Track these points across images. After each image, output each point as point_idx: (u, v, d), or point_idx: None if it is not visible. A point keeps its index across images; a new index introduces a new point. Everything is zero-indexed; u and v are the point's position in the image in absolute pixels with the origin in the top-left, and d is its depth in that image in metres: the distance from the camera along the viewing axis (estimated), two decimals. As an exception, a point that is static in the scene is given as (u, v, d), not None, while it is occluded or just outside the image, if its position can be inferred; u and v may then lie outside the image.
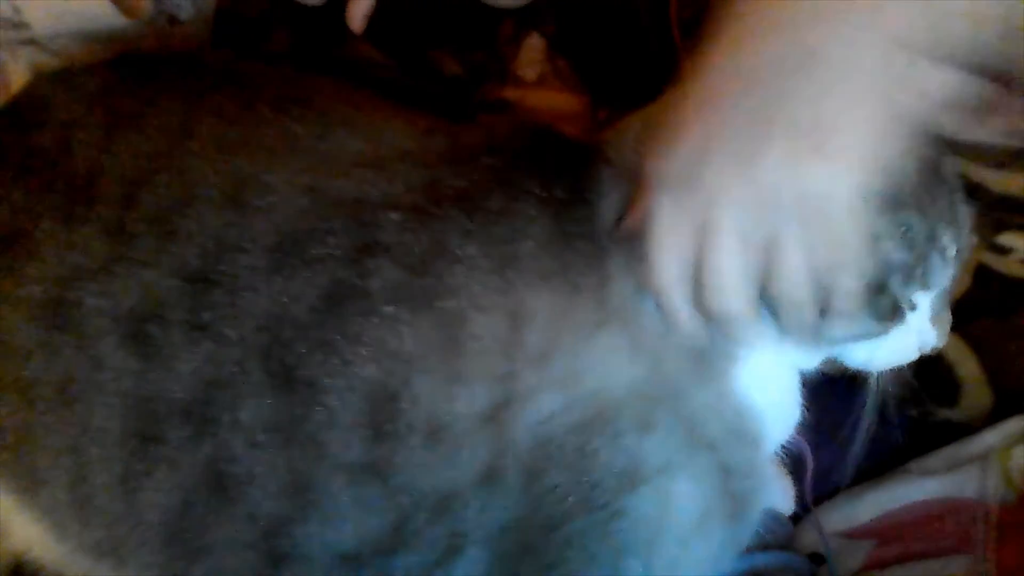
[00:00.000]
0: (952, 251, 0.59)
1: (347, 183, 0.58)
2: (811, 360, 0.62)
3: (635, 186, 0.55)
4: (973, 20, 0.53)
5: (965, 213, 0.60)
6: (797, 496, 0.77)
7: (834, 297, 0.53)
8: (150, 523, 0.54)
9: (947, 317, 0.62)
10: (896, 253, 0.56)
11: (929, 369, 0.66)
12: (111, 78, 0.66)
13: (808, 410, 0.63)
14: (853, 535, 0.75)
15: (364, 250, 0.54)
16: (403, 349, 0.52)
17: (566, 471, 0.53)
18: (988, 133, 0.62)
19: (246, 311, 0.53)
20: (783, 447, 0.65)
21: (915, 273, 0.57)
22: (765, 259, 0.51)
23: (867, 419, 0.63)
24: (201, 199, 0.57)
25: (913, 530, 0.73)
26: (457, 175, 0.58)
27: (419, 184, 0.58)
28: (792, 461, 0.75)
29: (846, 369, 0.64)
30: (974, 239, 0.66)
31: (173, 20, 0.78)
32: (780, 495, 0.76)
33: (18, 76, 0.76)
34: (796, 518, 0.78)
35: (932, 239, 0.57)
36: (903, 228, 0.56)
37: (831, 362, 0.63)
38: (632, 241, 0.54)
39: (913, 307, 0.59)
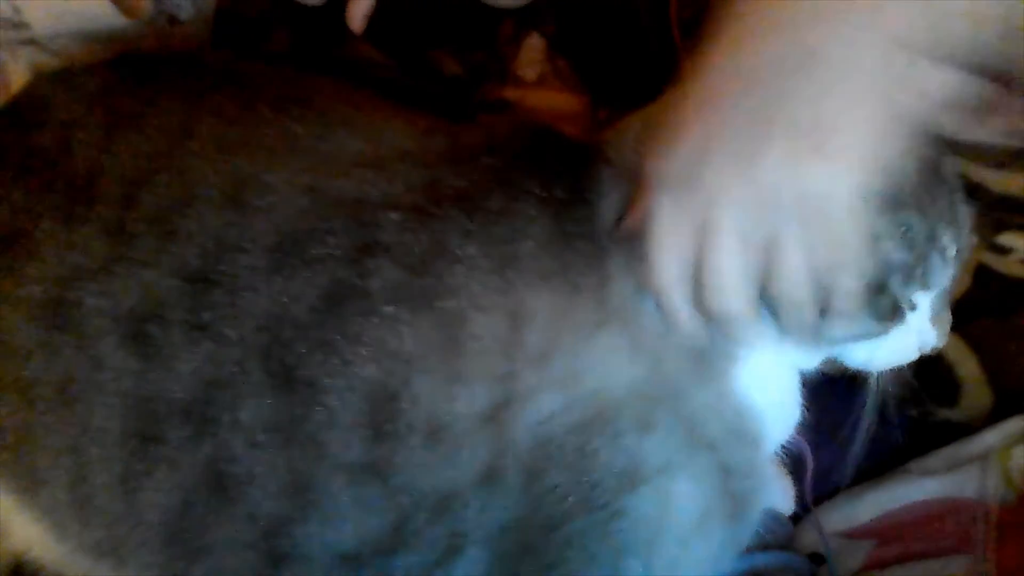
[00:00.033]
0: (952, 251, 0.59)
1: (347, 183, 0.58)
2: (811, 360, 0.62)
3: (635, 186, 0.55)
4: (973, 20, 0.53)
5: (965, 213, 0.60)
6: (797, 496, 0.77)
7: (834, 297, 0.53)
8: (150, 523, 0.54)
9: (947, 317, 0.62)
10: (896, 253, 0.56)
11: (929, 369, 0.66)
12: (111, 78, 0.66)
13: (808, 410, 0.63)
14: (853, 535, 0.75)
15: (364, 250, 0.54)
16: (403, 349, 0.52)
17: (566, 471, 0.53)
18: (988, 133, 0.62)
19: (246, 311, 0.53)
20: (783, 447, 0.65)
21: (915, 273, 0.57)
22: (765, 259, 0.51)
23: (867, 419, 0.63)
24: (201, 199, 0.57)
25: (913, 530, 0.73)
26: (457, 175, 0.58)
27: (419, 184, 0.58)
28: (792, 461, 0.75)
29: (846, 369, 0.64)
30: (974, 239, 0.66)
31: (173, 20, 0.78)
32: (780, 495, 0.76)
33: (18, 76, 0.76)
34: (796, 518, 0.78)
35: (932, 239, 0.57)
36: (903, 228, 0.56)
37: (831, 362, 0.63)
38: (632, 241, 0.54)
39: (913, 307, 0.59)
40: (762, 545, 0.67)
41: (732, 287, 0.51)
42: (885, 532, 0.74)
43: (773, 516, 0.72)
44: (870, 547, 0.74)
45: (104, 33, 0.75)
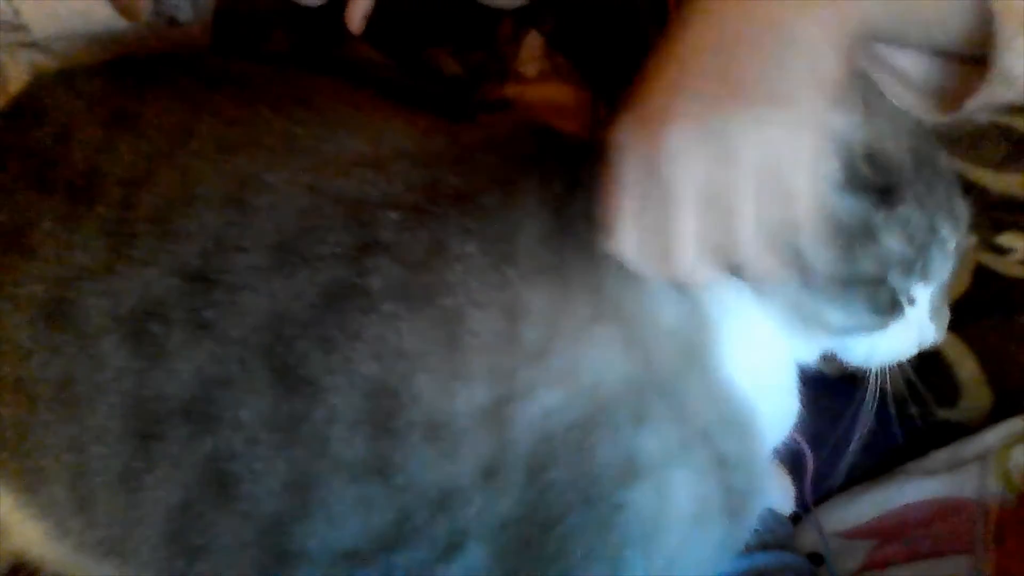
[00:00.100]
0: (952, 244, 0.59)
1: (347, 183, 0.58)
2: (808, 351, 0.62)
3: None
4: (940, 3, 0.54)
5: (963, 205, 0.61)
6: (797, 496, 0.77)
7: (803, 258, 0.54)
8: (151, 521, 0.54)
9: (946, 312, 0.62)
10: (895, 246, 0.56)
11: (929, 369, 0.66)
12: (111, 79, 0.66)
13: (808, 410, 0.63)
14: (853, 535, 0.75)
15: (364, 249, 0.54)
16: (403, 347, 0.53)
17: (566, 466, 0.53)
18: (962, 114, 0.63)
19: (247, 310, 0.53)
20: (783, 447, 0.65)
21: (915, 266, 0.57)
22: (724, 221, 0.51)
23: (865, 419, 0.63)
24: (201, 199, 0.57)
25: (913, 530, 0.73)
26: (456, 174, 0.58)
27: (419, 183, 0.58)
28: (792, 461, 0.75)
29: (846, 368, 0.64)
30: (973, 239, 0.67)
31: (172, 21, 0.78)
32: (780, 495, 0.76)
33: (17, 78, 0.76)
34: (796, 518, 0.78)
35: (932, 230, 0.58)
36: (902, 221, 0.56)
37: (831, 361, 0.64)
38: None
39: (912, 301, 0.59)
40: (762, 545, 0.67)
41: (692, 248, 0.51)
42: (885, 532, 0.74)
43: (773, 516, 0.72)
44: (869, 547, 0.74)
45: (103, 35, 0.75)
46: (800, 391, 0.63)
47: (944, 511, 0.72)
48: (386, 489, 0.52)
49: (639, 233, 0.52)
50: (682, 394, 0.56)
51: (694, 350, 0.57)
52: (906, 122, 0.61)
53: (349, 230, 0.55)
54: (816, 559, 0.75)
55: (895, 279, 0.57)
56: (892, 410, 0.67)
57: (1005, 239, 0.76)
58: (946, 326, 0.62)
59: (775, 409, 0.61)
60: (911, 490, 0.74)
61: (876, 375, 0.62)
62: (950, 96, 0.63)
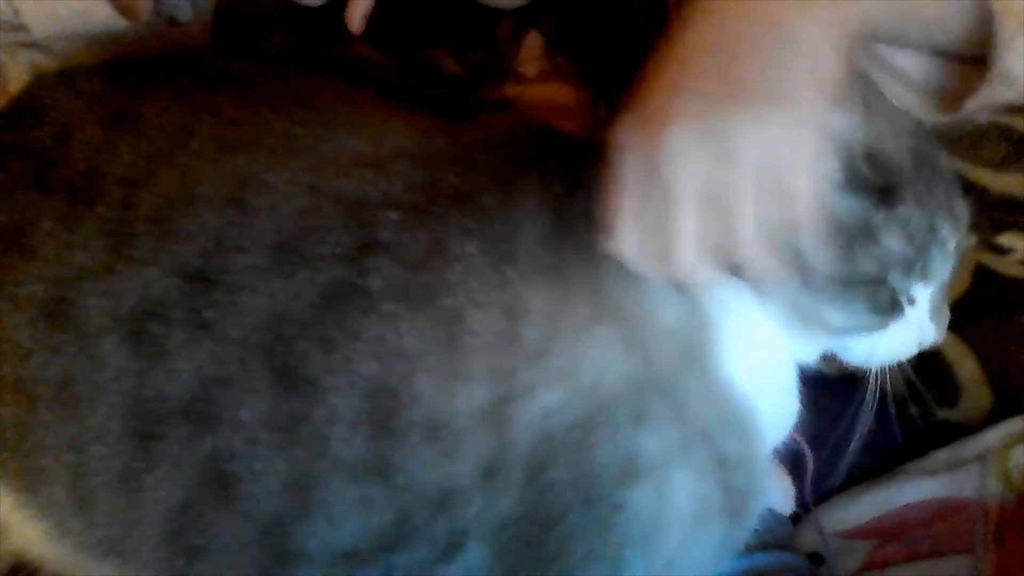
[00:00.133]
0: (952, 243, 0.59)
1: (347, 183, 0.58)
2: (808, 351, 0.62)
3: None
4: (940, 4, 0.54)
5: (963, 205, 0.61)
6: (797, 496, 0.77)
7: (803, 258, 0.54)
8: (151, 521, 0.54)
9: (946, 312, 0.62)
10: (896, 246, 0.56)
11: (929, 369, 0.66)
12: (111, 78, 0.66)
13: (808, 410, 0.63)
14: (853, 535, 0.75)
15: (364, 249, 0.54)
16: (403, 347, 0.53)
17: (566, 466, 0.53)
18: (962, 114, 0.63)
19: (247, 310, 0.53)
20: (783, 447, 0.65)
21: (915, 266, 0.57)
22: (724, 221, 0.51)
23: (865, 419, 0.63)
24: (201, 199, 0.57)
25: (913, 530, 0.73)
26: (456, 174, 0.58)
27: (418, 183, 0.58)
28: (792, 461, 0.75)
29: (846, 368, 0.64)
30: (973, 239, 0.67)
31: (172, 21, 0.78)
32: (780, 495, 0.76)
33: (17, 78, 0.76)
34: (796, 518, 0.78)
35: (932, 230, 0.58)
36: (902, 221, 0.56)
37: (831, 361, 0.63)
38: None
39: (912, 301, 0.59)
40: (762, 545, 0.67)
41: (692, 248, 0.51)
42: (885, 532, 0.74)
43: (773, 516, 0.72)
44: (869, 547, 0.74)
45: (103, 35, 0.75)
46: (800, 391, 0.63)
47: (944, 511, 0.72)
48: (386, 489, 0.52)
49: (639, 233, 0.52)
50: (682, 394, 0.56)
51: (694, 350, 0.57)
52: (906, 122, 0.61)
53: (349, 230, 0.55)
54: (816, 559, 0.75)
55: (895, 279, 0.57)
56: (892, 410, 0.67)
57: (1005, 239, 0.76)
58: (946, 326, 0.62)
59: (775, 409, 0.61)
60: (911, 490, 0.74)
61: (876, 375, 0.62)
62: (950, 96, 0.63)
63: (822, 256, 0.56)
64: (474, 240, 0.55)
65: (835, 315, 0.58)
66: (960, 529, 0.70)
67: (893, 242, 0.56)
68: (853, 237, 0.56)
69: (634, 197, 0.52)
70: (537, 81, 0.83)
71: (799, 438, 0.71)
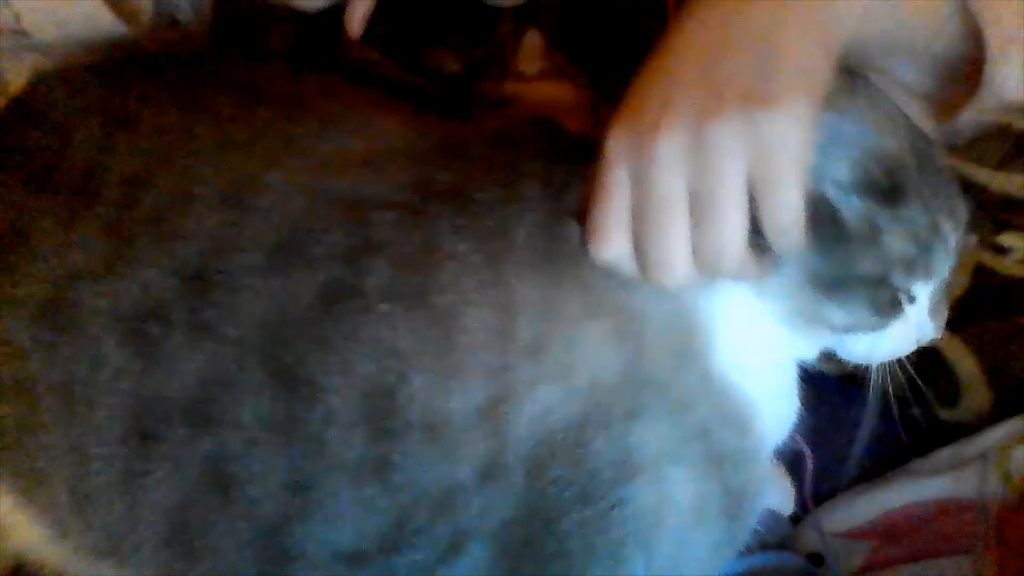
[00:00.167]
0: (953, 241, 0.59)
1: (344, 182, 0.58)
2: (808, 348, 0.62)
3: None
4: (928, 17, 0.54)
5: (962, 203, 0.61)
6: (797, 496, 0.77)
7: (803, 259, 0.54)
8: (150, 523, 0.54)
9: (945, 308, 0.62)
10: (899, 245, 0.56)
11: (929, 369, 0.66)
12: (111, 79, 0.67)
13: (808, 410, 0.63)
14: (853, 535, 0.75)
15: (359, 249, 0.54)
16: (399, 346, 0.52)
17: (565, 464, 0.53)
18: (956, 124, 0.63)
19: (246, 310, 0.53)
20: (783, 447, 0.65)
21: (917, 264, 0.57)
22: (715, 229, 0.51)
23: (868, 419, 0.63)
24: (200, 199, 0.57)
25: (913, 530, 0.73)
26: (452, 171, 0.58)
27: (414, 182, 0.58)
28: (792, 461, 0.75)
29: (846, 368, 0.64)
30: (973, 238, 0.67)
31: (172, 21, 0.78)
32: (780, 495, 0.76)
33: (17, 80, 0.76)
34: (796, 518, 0.78)
35: (935, 229, 0.58)
36: (906, 221, 0.56)
37: (832, 360, 0.63)
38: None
39: (912, 299, 0.59)
40: (762, 545, 0.67)
41: (684, 256, 0.51)
42: (885, 532, 0.74)
43: (773, 516, 0.72)
44: (870, 547, 0.74)
45: (104, 40, 0.75)
46: (800, 391, 0.63)
47: (944, 511, 0.72)
48: (385, 489, 0.52)
49: (631, 242, 0.52)
50: (677, 389, 0.55)
51: (688, 345, 0.56)
52: (906, 120, 0.61)
53: (346, 230, 0.55)
54: (816, 559, 0.75)
55: (897, 278, 0.57)
56: (894, 410, 0.67)
57: (1005, 239, 0.76)
58: (945, 322, 0.62)
59: (775, 408, 0.61)
60: (911, 490, 0.74)
61: (877, 375, 0.62)
62: (942, 106, 0.63)
63: (821, 257, 0.55)
64: (467, 237, 0.55)
65: (835, 314, 0.58)
66: (960, 529, 0.70)
67: (896, 242, 0.56)
68: (856, 238, 0.56)
69: (624, 206, 0.52)
70: (537, 79, 0.83)
71: (799, 438, 0.71)
